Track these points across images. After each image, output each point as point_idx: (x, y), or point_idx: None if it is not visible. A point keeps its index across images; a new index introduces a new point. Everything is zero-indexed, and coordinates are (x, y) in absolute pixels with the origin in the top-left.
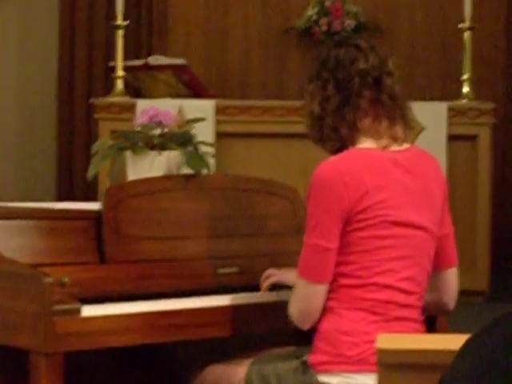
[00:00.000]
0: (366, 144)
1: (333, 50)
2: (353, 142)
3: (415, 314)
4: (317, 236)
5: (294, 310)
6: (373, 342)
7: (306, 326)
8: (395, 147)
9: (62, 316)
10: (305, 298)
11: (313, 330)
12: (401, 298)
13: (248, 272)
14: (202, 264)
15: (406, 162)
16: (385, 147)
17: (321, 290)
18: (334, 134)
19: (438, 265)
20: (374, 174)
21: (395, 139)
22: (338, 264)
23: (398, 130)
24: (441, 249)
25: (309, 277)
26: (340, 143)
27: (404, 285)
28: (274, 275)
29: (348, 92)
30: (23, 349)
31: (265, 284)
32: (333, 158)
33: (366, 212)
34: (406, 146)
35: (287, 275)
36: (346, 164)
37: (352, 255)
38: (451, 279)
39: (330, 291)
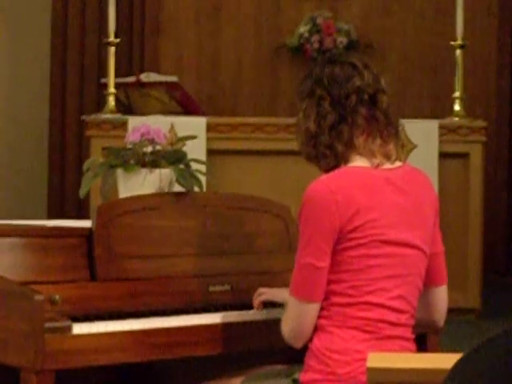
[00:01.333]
0: (359, 162)
1: (327, 67)
2: (346, 160)
3: (406, 332)
4: (308, 255)
5: (287, 329)
6: (364, 360)
7: (298, 345)
8: (388, 165)
9: (53, 334)
10: (297, 317)
11: (304, 348)
12: (392, 316)
13: (239, 290)
14: (193, 282)
15: (398, 181)
16: (377, 165)
17: (313, 309)
18: (330, 152)
19: (429, 283)
20: (365, 192)
21: (388, 157)
22: (329, 282)
23: (391, 147)
24: (432, 267)
25: (301, 296)
26: (335, 161)
27: (395, 304)
28: (266, 293)
29: (344, 109)
30: (15, 366)
31: (256, 302)
32: (324, 177)
33: (357, 231)
34: (398, 163)
35: (278, 294)
36: (337, 183)
37: (343, 274)
38: (441, 297)
39: (321, 309)
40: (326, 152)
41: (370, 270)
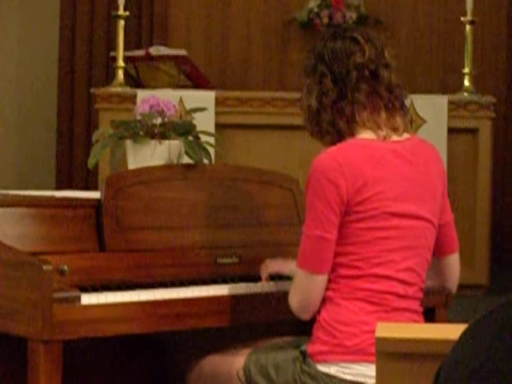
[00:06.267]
0: (365, 135)
1: (328, 43)
2: (351, 134)
3: (414, 305)
4: (316, 227)
5: (294, 301)
6: (372, 332)
7: (306, 317)
8: (395, 138)
9: (61, 304)
10: (305, 289)
11: (311, 320)
12: (400, 288)
13: (247, 262)
14: (201, 253)
15: (405, 152)
16: (384, 138)
17: (320, 281)
18: (332, 128)
19: (441, 252)
20: (372, 164)
21: (395, 130)
22: (336, 255)
23: (398, 120)
24: (443, 236)
25: (309, 267)
26: (338, 136)
27: (404, 276)
28: (272, 266)
29: (345, 86)
30: (22, 336)
31: (263, 275)
32: (331, 149)
33: (364, 203)
34: (406, 136)
35: (285, 265)
36: (344, 155)
37: (351, 246)
38: (453, 264)
39: (329, 281)
40: (329, 128)
41: (378, 242)
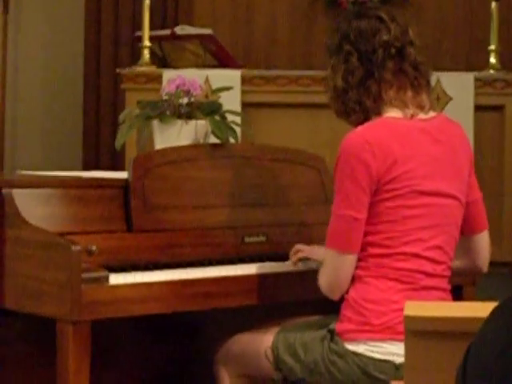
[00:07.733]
0: (392, 114)
1: (353, 22)
2: (378, 113)
3: (443, 283)
4: (346, 206)
5: (324, 281)
6: (400, 310)
7: (335, 297)
8: (422, 116)
9: (90, 284)
10: (334, 269)
11: (340, 299)
12: (428, 267)
13: (274, 241)
14: (228, 233)
15: (432, 131)
16: (411, 116)
17: (350, 260)
18: (359, 107)
19: (470, 230)
20: (401, 143)
21: (421, 108)
22: (366, 234)
23: (424, 98)
24: (471, 214)
25: (338, 247)
26: (364, 115)
27: (432, 254)
28: (303, 251)
29: (371, 64)
30: (51, 317)
31: (293, 259)
32: (360, 128)
33: (394, 182)
34: (432, 114)
35: (316, 251)
36: (373, 134)
37: (380, 225)
38: (483, 242)
39: (358, 260)
40: (356, 107)
41: (407, 220)
